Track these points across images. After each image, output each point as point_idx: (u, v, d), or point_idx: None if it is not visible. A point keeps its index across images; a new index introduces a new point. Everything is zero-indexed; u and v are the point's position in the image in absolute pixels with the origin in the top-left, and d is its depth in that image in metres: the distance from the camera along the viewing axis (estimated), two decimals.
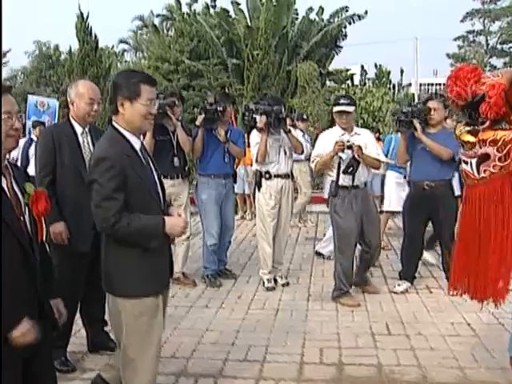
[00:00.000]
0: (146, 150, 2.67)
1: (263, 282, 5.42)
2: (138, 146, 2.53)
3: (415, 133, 4.91)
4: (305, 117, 9.00)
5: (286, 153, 5.33)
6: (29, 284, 2.00)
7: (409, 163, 5.34)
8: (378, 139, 9.93)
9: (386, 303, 4.93)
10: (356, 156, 4.65)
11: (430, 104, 4.99)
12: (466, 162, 2.36)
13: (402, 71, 27.51)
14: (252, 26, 16.30)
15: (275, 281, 5.47)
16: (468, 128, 2.40)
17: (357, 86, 16.82)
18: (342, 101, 4.82)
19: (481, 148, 2.28)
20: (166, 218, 2.49)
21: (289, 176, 5.41)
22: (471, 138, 2.36)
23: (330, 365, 3.65)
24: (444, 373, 3.50)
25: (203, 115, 5.15)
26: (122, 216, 2.34)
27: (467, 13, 35.64)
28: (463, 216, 2.57)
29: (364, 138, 4.89)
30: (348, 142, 4.65)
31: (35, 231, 2.10)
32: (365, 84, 19.94)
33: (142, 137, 2.80)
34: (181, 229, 2.54)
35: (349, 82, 18.80)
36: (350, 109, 4.80)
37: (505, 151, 2.19)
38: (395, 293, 5.16)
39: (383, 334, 4.18)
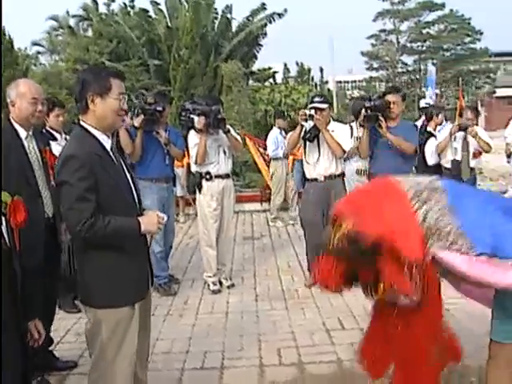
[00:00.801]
0: (120, 149, 2.51)
1: (208, 285, 5.28)
2: (108, 145, 2.37)
3: (380, 130, 4.93)
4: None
5: (225, 153, 5.22)
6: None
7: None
8: None
9: (334, 298, 4.90)
10: (317, 125, 4.97)
11: (390, 98, 5.02)
12: None
13: (321, 69, 28.10)
14: (172, 26, 16.03)
15: (220, 283, 5.35)
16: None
17: (280, 84, 17.00)
18: (316, 99, 5.16)
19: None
20: (139, 218, 2.34)
21: (229, 176, 5.30)
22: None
23: (290, 365, 3.59)
24: None
25: (142, 116, 4.92)
26: (96, 218, 2.17)
27: (378, 13, 36.89)
28: None
29: (336, 131, 5.13)
30: (310, 112, 5.00)
31: (13, 243, 1.89)
32: (287, 82, 20.15)
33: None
34: (157, 224, 2.39)
35: (271, 80, 18.94)
36: (324, 106, 5.06)
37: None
38: None
39: (337, 330, 4.17)
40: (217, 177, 5.17)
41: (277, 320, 4.41)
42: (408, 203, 2.32)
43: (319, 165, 5.15)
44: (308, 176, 5.27)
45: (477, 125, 5.34)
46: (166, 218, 2.46)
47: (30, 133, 3.25)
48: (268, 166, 8.88)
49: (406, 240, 2.25)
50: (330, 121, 5.19)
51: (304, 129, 5.10)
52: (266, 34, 17.00)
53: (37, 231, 2.75)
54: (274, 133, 8.40)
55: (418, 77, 34.79)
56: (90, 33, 19.06)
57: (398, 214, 2.32)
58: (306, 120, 5.02)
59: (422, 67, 34.64)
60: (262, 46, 17.39)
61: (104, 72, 2.39)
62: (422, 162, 6.38)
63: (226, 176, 5.25)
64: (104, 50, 15.73)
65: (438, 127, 6.68)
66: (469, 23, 34.75)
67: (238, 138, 5.31)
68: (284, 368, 3.55)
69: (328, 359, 3.63)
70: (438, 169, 6.25)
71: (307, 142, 5.15)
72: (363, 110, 5.07)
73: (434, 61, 32.02)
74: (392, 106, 4.98)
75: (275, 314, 4.59)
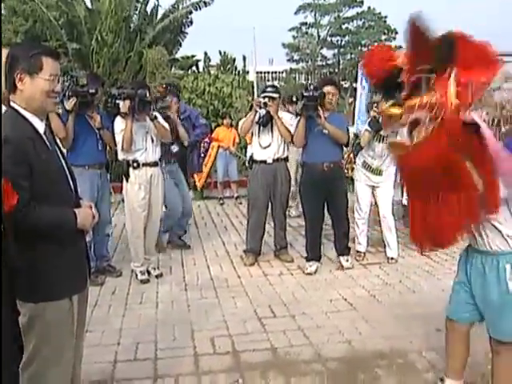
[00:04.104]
0: (52, 133, 2.33)
1: (136, 275, 5.18)
2: (41, 129, 2.19)
3: (318, 119, 5.10)
4: (294, 99, 8.71)
5: (153, 140, 5.10)
6: None
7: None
8: (231, 125, 9.98)
9: (264, 287, 4.98)
10: (270, 111, 5.39)
11: (327, 89, 5.21)
12: (395, 133, 2.42)
13: (244, 58, 28.11)
14: (93, 8, 15.42)
15: (148, 273, 5.26)
16: (390, 102, 2.46)
17: (203, 72, 16.86)
18: (268, 89, 5.60)
19: (409, 116, 2.33)
20: (76, 210, 2.21)
21: (157, 164, 5.19)
22: (396, 111, 2.41)
23: (224, 354, 3.59)
24: (335, 348, 3.62)
25: (74, 99, 4.71)
26: (31, 207, 2.03)
27: (300, 6, 37.49)
28: (404, 184, 2.69)
29: (283, 118, 5.55)
30: (264, 100, 5.38)
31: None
32: (209, 71, 20.02)
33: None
34: (91, 220, 2.30)
35: (194, 68, 18.72)
36: (275, 95, 5.47)
37: (433, 112, 2.24)
38: (271, 275, 5.27)
39: (269, 317, 4.21)
40: (144, 165, 5.05)
41: (208, 309, 4.40)
42: None
43: (270, 148, 5.55)
44: (257, 158, 5.64)
45: None
46: (97, 215, 2.38)
47: None
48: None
49: None
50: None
51: (258, 115, 5.51)
52: (191, 22, 16.75)
53: None
54: None
55: (337, 70, 35.73)
56: (3, 10, 17.93)
57: None
58: (260, 107, 5.42)
59: (341, 61, 35.60)
60: (186, 33, 17.11)
61: (36, 49, 2.18)
62: None
63: (154, 164, 5.14)
64: (19, 29, 14.84)
65: None
66: (385, 21, 36.09)
67: (166, 125, 5.20)
68: (219, 356, 3.54)
69: (262, 347, 3.66)
70: None
71: (261, 127, 5.55)
72: (301, 100, 5.22)
73: (353, 55, 33.04)
74: (329, 96, 5.18)
75: (206, 302, 4.58)
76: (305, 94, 5.16)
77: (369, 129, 5.33)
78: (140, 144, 5.01)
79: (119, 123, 4.94)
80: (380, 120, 5.19)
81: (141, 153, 5.02)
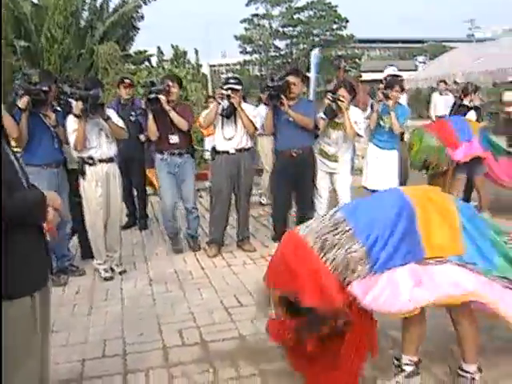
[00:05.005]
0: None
1: (99, 273, 5.14)
2: None
3: (282, 107, 5.30)
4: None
5: (107, 136, 5.06)
6: None
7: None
8: None
9: (228, 277, 5.03)
10: (233, 103, 5.40)
11: (290, 79, 5.41)
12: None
13: (196, 51, 27.83)
14: (40, 3, 15.01)
15: (112, 270, 5.23)
16: None
17: (157, 67, 16.64)
18: (231, 80, 5.59)
19: None
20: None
21: (113, 160, 5.15)
22: None
23: (193, 345, 3.63)
24: None
25: (27, 97, 4.60)
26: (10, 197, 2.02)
27: None
28: None
29: (246, 110, 5.60)
30: (226, 92, 5.41)
31: None
32: (163, 66, 19.79)
33: None
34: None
35: (147, 63, 18.48)
36: (238, 87, 5.49)
37: None
38: (235, 265, 5.34)
39: (236, 307, 4.27)
40: (100, 161, 5.01)
41: (174, 302, 4.42)
42: (317, 259, 2.59)
43: (234, 139, 5.57)
44: (219, 149, 5.65)
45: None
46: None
47: None
48: None
49: (325, 296, 2.53)
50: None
51: (221, 107, 5.52)
52: (142, 16, 16.56)
53: None
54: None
55: (289, 60, 35.88)
56: None
57: (309, 273, 2.57)
58: (222, 99, 5.48)
59: (294, 51, 35.78)
60: (139, 28, 16.90)
61: None
62: None
63: (110, 160, 5.09)
64: None
65: None
66: (335, 10, 36.36)
67: (120, 124, 5.16)
68: (188, 348, 3.58)
69: (230, 336, 3.72)
70: None
71: (224, 119, 5.57)
72: (267, 90, 5.43)
73: (305, 45, 33.24)
74: (292, 86, 5.36)
75: (172, 296, 4.60)
76: (269, 84, 5.41)
77: (324, 116, 5.45)
78: (94, 141, 4.96)
79: (72, 122, 4.87)
80: (335, 107, 5.32)
81: (95, 150, 4.97)
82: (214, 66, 43.15)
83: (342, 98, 5.33)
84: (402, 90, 6.38)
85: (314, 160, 5.64)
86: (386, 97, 5.99)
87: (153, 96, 5.42)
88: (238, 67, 39.05)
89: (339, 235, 2.62)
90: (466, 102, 7.23)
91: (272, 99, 5.37)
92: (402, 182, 6.30)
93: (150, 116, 5.54)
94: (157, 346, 3.62)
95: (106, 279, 5.08)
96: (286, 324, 2.80)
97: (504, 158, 6.52)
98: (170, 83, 5.60)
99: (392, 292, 2.54)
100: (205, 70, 32.32)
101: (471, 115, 7.04)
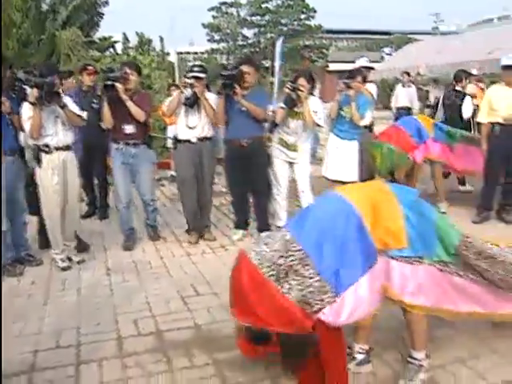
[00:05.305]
0: None
1: (57, 263, 5.07)
2: None
3: (235, 97, 5.30)
4: None
5: (64, 124, 4.97)
6: None
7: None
8: None
9: (187, 266, 5.03)
10: (197, 92, 5.37)
11: (244, 68, 5.40)
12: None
13: (161, 39, 27.61)
14: None
15: (70, 259, 5.17)
16: None
17: (122, 54, 16.43)
18: (195, 69, 5.56)
19: None
20: None
21: (70, 148, 5.06)
22: None
23: (148, 334, 3.62)
24: None
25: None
26: None
27: None
28: None
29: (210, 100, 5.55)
30: (190, 81, 5.39)
31: None
32: (128, 53, 19.53)
33: None
34: None
35: (111, 50, 18.23)
36: (202, 75, 5.45)
37: None
38: (194, 254, 5.35)
39: (192, 296, 4.27)
40: (56, 149, 4.93)
41: (131, 292, 4.40)
42: (272, 287, 2.54)
43: (196, 128, 5.52)
44: (181, 137, 5.59)
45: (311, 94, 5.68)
46: None
47: None
48: None
49: (290, 324, 2.52)
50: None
51: (184, 96, 5.46)
52: (107, 2, 16.25)
53: None
54: None
55: (257, 49, 35.80)
56: None
57: (269, 304, 2.53)
58: (185, 87, 5.43)
59: (262, 40, 35.70)
60: (103, 14, 16.60)
61: None
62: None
63: (67, 148, 5.00)
64: None
65: None
66: (303, 0, 36.39)
67: (77, 111, 5.07)
68: (142, 338, 3.57)
69: (186, 325, 3.73)
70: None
71: (188, 108, 5.51)
72: (221, 79, 5.38)
73: (273, 35, 33.19)
74: (246, 75, 5.36)
75: (129, 285, 4.57)
76: (223, 73, 5.35)
77: (283, 106, 5.47)
78: (50, 129, 4.86)
79: (27, 110, 4.76)
80: (294, 97, 5.34)
81: (51, 137, 4.88)
82: (182, 53, 42.75)
83: (301, 88, 5.35)
84: (365, 80, 6.44)
85: (266, 149, 5.70)
86: (348, 87, 6.04)
87: (109, 83, 5.29)
88: (205, 56, 38.75)
89: (291, 259, 2.56)
90: (458, 87, 7.41)
91: (225, 88, 5.33)
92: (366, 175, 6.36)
93: (105, 103, 5.43)
94: (112, 337, 3.60)
95: (63, 269, 5.01)
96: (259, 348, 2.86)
97: (459, 144, 6.64)
98: (128, 70, 5.47)
99: (358, 305, 2.61)
100: (172, 57, 32.06)
101: (468, 102, 7.25)
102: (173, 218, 6.80)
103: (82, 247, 5.51)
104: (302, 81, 5.43)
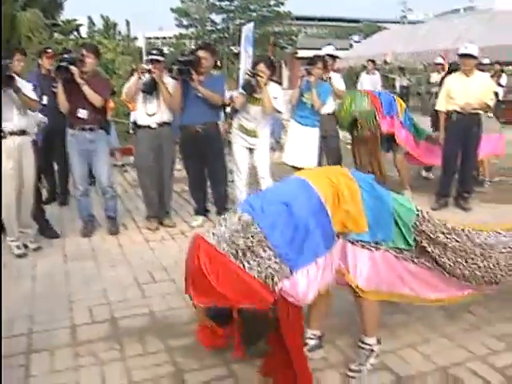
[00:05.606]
0: None
1: (12, 250, 4.98)
2: None
3: (192, 82, 5.29)
4: None
5: (18, 108, 4.86)
6: None
7: None
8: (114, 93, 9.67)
9: (145, 253, 5.00)
10: (155, 77, 5.30)
11: (200, 53, 5.40)
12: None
13: (127, 23, 27.10)
14: None
15: (26, 247, 5.07)
16: None
17: (86, 37, 16.11)
18: (154, 52, 5.60)
19: None
20: None
21: (25, 133, 4.95)
22: None
23: (102, 322, 3.59)
24: None
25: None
26: None
27: None
28: None
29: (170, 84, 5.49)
30: (148, 66, 5.37)
31: None
32: (93, 36, 19.18)
33: None
34: None
35: (76, 33, 17.87)
36: (161, 58, 5.46)
37: None
38: (153, 241, 5.32)
39: (149, 283, 4.26)
40: (11, 134, 4.81)
41: (87, 279, 4.35)
42: (233, 263, 2.49)
43: (156, 114, 5.46)
44: (141, 123, 5.54)
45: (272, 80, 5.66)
46: None
47: None
48: None
49: (251, 297, 2.47)
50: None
51: (141, 82, 5.39)
52: None
53: None
54: None
55: (226, 35, 35.53)
56: None
57: (230, 279, 2.47)
58: (143, 73, 5.36)
59: (231, 26, 35.42)
60: None
61: None
62: None
63: (22, 133, 4.88)
64: None
65: None
66: None
67: (32, 95, 4.94)
68: (96, 325, 3.54)
69: (141, 312, 3.71)
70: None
71: (146, 95, 5.44)
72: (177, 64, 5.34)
73: (242, 20, 32.93)
74: (203, 61, 5.35)
75: (86, 273, 4.51)
76: (180, 59, 5.33)
77: (243, 92, 5.45)
78: (6, 113, 4.73)
79: None
80: (253, 83, 5.32)
81: (6, 122, 4.76)
82: (150, 38, 42.15)
83: (260, 74, 5.34)
84: (325, 67, 6.43)
85: (221, 135, 5.72)
86: (309, 73, 6.04)
87: (63, 64, 5.14)
88: (173, 41, 38.29)
89: (250, 240, 2.53)
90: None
91: (182, 74, 5.29)
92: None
93: (60, 86, 5.30)
94: (65, 324, 3.55)
95: (18, 256, 4.92)
96: (219, 332, 2.86)
97: (424, 142, 6.77)
98: (85, 52, 5.33)
99: (314, 284, 2.62)
100: (140, 42, 31.61)
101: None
102: (134, 204, 6.75)
103: (54, 233, 5.51)
104: (261, 67, 5.41)
